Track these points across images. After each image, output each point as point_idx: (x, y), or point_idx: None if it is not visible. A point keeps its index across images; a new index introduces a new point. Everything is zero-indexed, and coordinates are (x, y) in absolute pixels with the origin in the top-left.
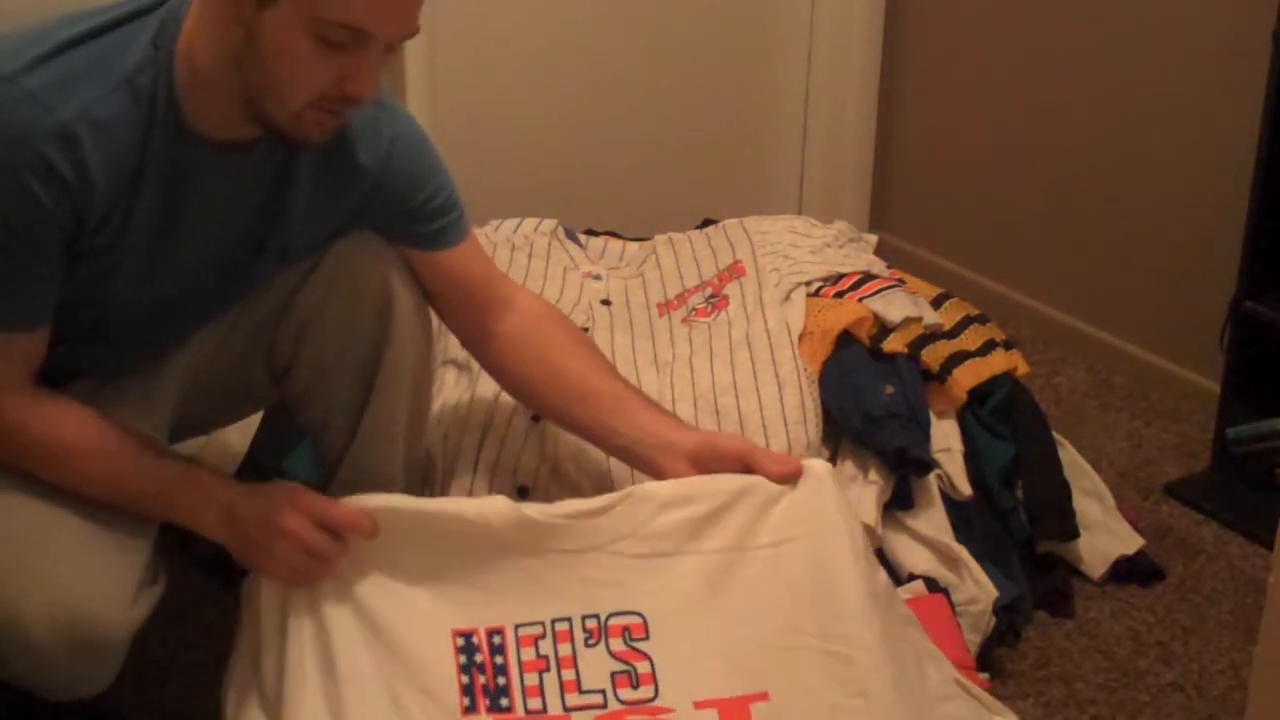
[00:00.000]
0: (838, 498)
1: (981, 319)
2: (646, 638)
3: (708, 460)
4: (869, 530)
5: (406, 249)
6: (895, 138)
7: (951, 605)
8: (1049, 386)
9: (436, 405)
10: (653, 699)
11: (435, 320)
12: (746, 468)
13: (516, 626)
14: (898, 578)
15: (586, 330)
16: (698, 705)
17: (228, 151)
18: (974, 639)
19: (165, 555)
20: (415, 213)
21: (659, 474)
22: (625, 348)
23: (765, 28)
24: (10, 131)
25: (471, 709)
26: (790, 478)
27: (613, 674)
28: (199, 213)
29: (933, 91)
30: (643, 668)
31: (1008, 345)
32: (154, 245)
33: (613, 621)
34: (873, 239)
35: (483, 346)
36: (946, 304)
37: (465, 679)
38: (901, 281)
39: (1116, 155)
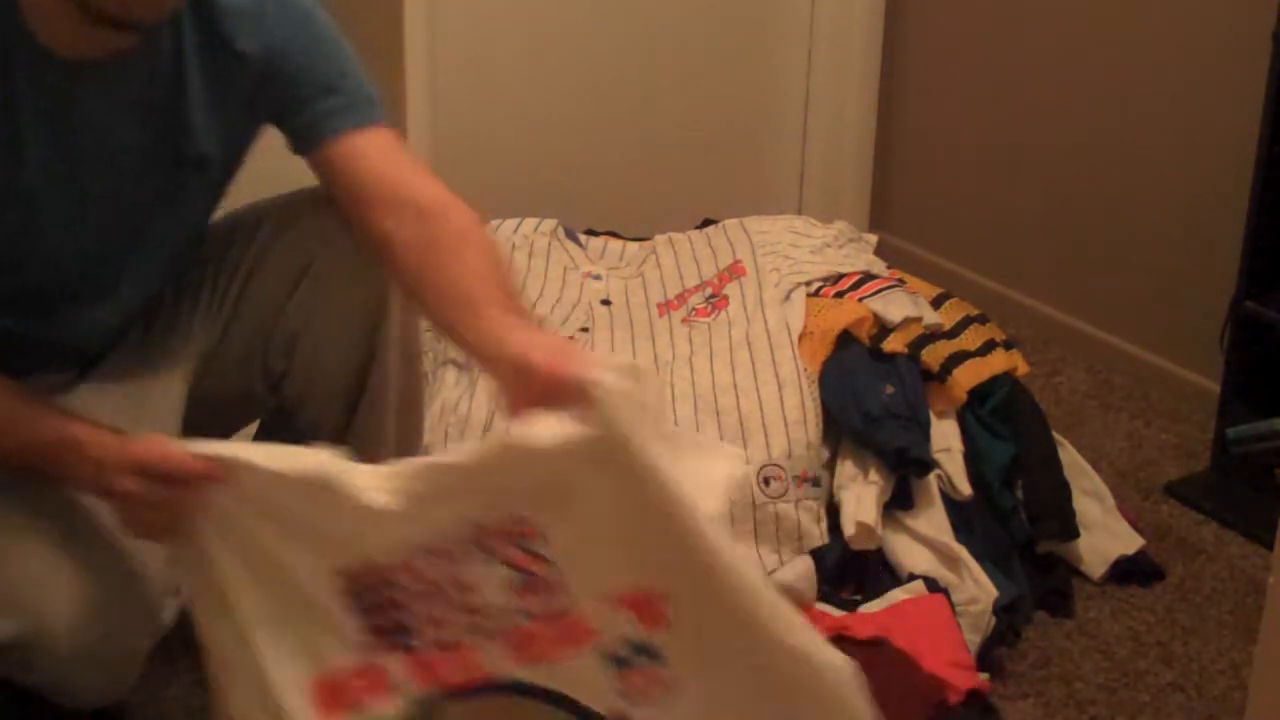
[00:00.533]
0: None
1: (981, 319)
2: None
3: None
4: (869, 530)
5: (309, 158)
6: (895, 138)
7: (951, 605)
8: (1049, 386)
9: (436, 405)
10: (566, 610)
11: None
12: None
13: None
14: (898, 578)
15: (586, 330)
16: (610, 602)
17: (100, 69)
18: (974, 639)
19: None
20: (301, 94)
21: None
22: (625, 347)
23: (765, 28)
24: None
25: (376, 648)
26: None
27: (514, 586)
28: (97, 139)
29: (933, 91)
30: (543, 571)
31: (1008, 345)
32: (62, 183)
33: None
34: (873, 239)
35: (382, 254)
36: (946, 304)
37: (360, 620)
38: (901, 281)
39: (1116, 155)
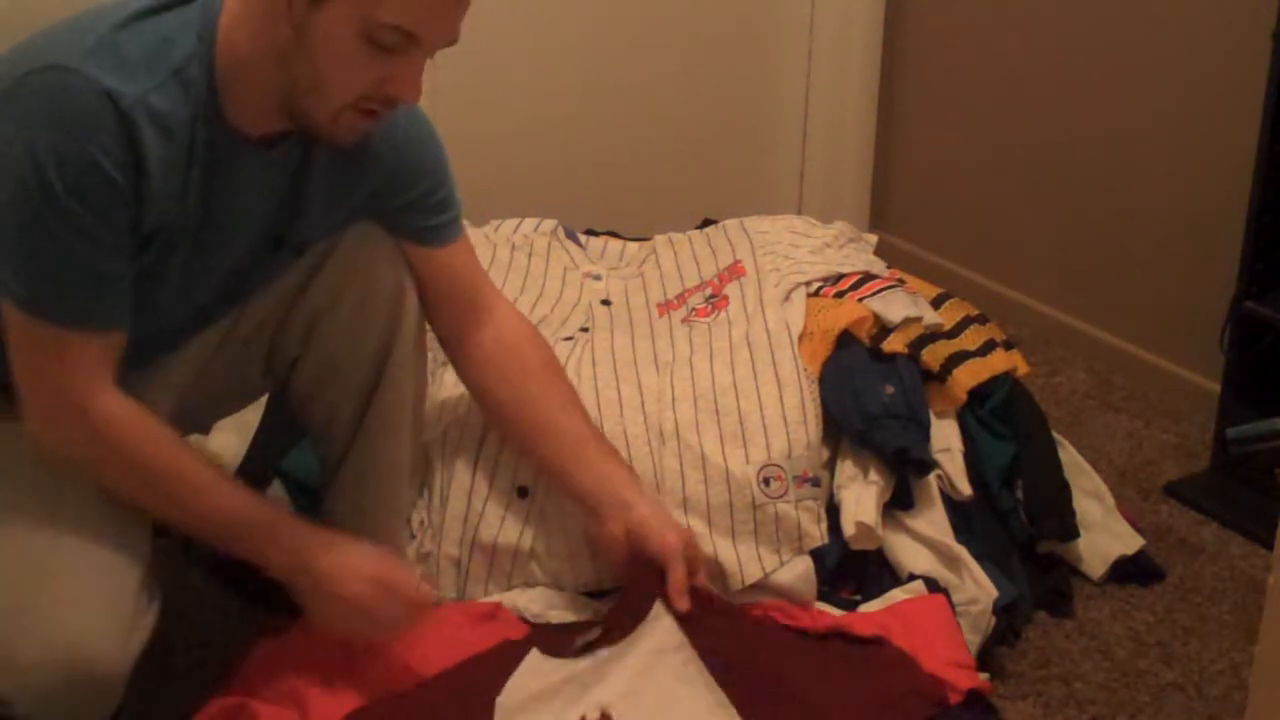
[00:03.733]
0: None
1: (981, 319)
2: None
3: (635, 543)
4: (869, 530)
5: (403, 244)
6: (895, 138)
7: (951, 605)
8: (1049, 386)
9: (436, 405)
10: None
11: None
12: (659, 571)
13: None
14: (898, 578)
15: (586, 330)
16: None
17: (258, 146)
18: (974, 639)
19: (162, 564)
20: (420, 205)
21: (598, 527)
22: (625, 348)
23: (765, 28)
24: (82, 119)
25: None
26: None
27: None
28: (233, 210)
29: (933, 91)
30: None
31: (1008, 345)
32: (196, 244)
33: None
34: (873, 239)
35: (459, 353)
36: (946, 304)
37: None
38: (901, 281)
39: (1116, 155)
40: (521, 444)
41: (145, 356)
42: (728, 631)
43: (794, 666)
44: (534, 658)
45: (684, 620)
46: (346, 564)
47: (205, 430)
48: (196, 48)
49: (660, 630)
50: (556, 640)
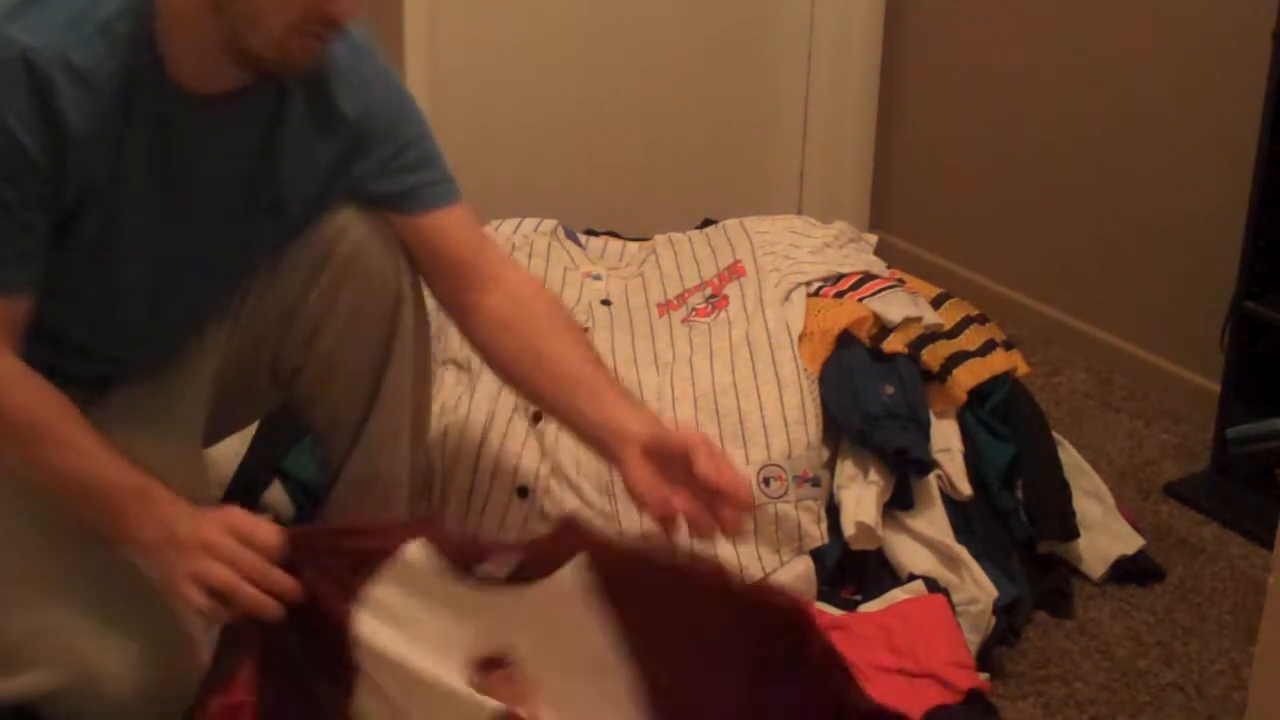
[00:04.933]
0: None
1: (981, 319)
2: None
3: (657, 454)
4: (869, 530)
5: (392, 215)
6: (895, 138)
7: (951, 605)
8: (1049, 386)
9: (436, 405)
10: None
11: (433, 321)
12: (688, 462)
13: None
14: (898, 578)
15: (586, 330)
16: None
17: (215, 104)
18: (974, 639)
19: None
20: (392, 165)
21: (615, 460)
22: (625, 348)
23: (765, 28)
24: None
25: None
26: (718, 484)
27: None
28: (194, 170)
29: (932, 92)
30: None
31: (1008, 345)
32: (151, 205)
33: None
34: (873, 239)
35: (465, 321)
36: (946, 304)
37: None
38: (901, 281)
39: (1116, 155)
40: (533, 394)
41: (154, 353)
42: (646, 593)
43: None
44: (423, 551)
45: (604, 575)
46: (204, 521)
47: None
48: (129, 4)
49: (574, 580)
50: (456, 548)
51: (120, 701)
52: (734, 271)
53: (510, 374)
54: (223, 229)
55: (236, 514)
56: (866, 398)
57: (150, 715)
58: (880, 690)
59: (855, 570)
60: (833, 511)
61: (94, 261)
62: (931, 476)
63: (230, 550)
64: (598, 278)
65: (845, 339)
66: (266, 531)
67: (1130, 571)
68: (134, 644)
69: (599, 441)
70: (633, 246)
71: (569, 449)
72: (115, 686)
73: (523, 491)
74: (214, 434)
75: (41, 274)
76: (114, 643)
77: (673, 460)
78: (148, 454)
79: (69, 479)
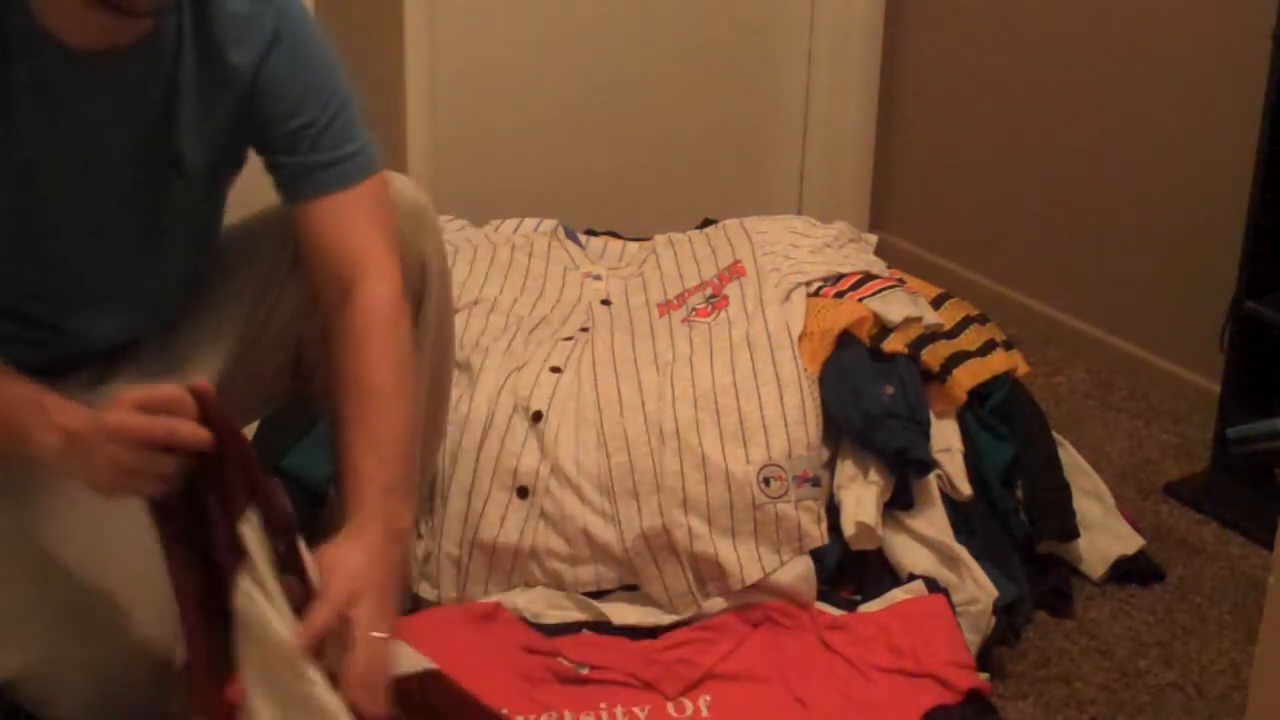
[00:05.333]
0: None
1: (981, 319)
2: None
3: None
4: (869, 530)
5: (281, 195)
6: (895, 138)
7: (951, 605)
8: (1049, 386)
9: None
10: None
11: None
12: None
13: None
14: (898, 578)
15: (586, 330)
16: None
17: (101, 61)
18: (974, 639)
19: None
20: (285, 132)
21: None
22: (625, 348)
23: (765, 28)
24: None
25: None
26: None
27: None
28: (88, 130)
29: (933, 92)
30: None
31: (1008, 345)
32: (55, 166)
33: None
34: (873, 239)
35: (329, 328)
36: (946, 304)
37: None
38: (901, 281)
39: (1116, 155)
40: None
41: (70, 307)
42: None
43: None
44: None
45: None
46: (101, 410)
47: None
48: None
49: None
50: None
51: (81, 689)
52: (734, 271)
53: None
54: (131, 189)
55: (131, 390)
56: (866, 398)
57: (114, 705)
58: (880, 690)
59: (855, 570)
60: (833, 511)
61: (14, 224)
62: (931, 476)
63: (134, 426)
64: (598, 278)
65: (845, 339)
66: (166, 392)
67: (1130, 571)
68: (94, 631)
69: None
70: (633, 246)
71: (569, 449)
72: (74, 675)
73: (522, 492)
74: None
75: None
76: (73, 629)
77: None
78: None
79: None
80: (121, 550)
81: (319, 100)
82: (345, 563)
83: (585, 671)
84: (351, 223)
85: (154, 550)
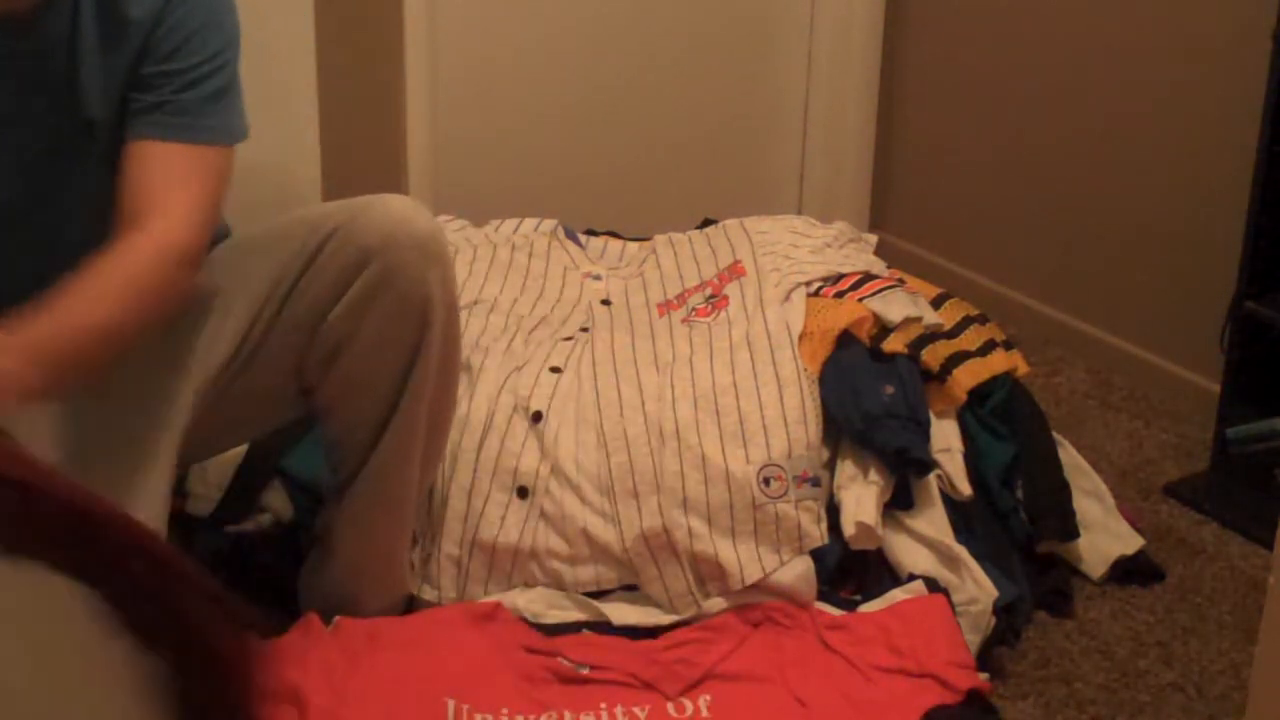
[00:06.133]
0: None
1: (981, 319)
2: None
3: None
4: (869, 530)
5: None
6: (895, 138)
7: (951, 605)
8: (1049, 386)
9: None
10: None
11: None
12: None
13: None
14: (898, 578)
15: (586, 330)
16: None
17: (8, 26)
18: (974, 639)
19: None
20: (155, 75)
21: None
22: (625, 348)
23: (765, 28)
24: None
25: None
26: None
27: None
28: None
29: (933, 91)
30: None
31: (1008, 345)
32: None
33: None
34: (873, 239)
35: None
36: (946, 304)
37: None
38: (901, 281)
39: (1116, 155)
40: None
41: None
42: None
43: None
44: None
45: None
46: None
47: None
48: None
49: None
50: None
51: None
52: (734, 271)
53: None
54: (47, 153)
55: None
56: (866, 398)
57: None
58: (880, 690)
59: (855, 570)
60: (833, 511)
61: None
62: (931, 476)
63: None
64: (598, 278)
65: (845, 339)
66: None
67: (1130, 571)
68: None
69: None
70: (633, 246)
71: (569, 449)
72: None
73: (522, 492)
74: (238, 437)
75: None
76: None
77: None
78: (102, 460)
79: None
80: None
81: (197, 55)
82: None
83: (585, 671)
84: (161, 173)
85: None
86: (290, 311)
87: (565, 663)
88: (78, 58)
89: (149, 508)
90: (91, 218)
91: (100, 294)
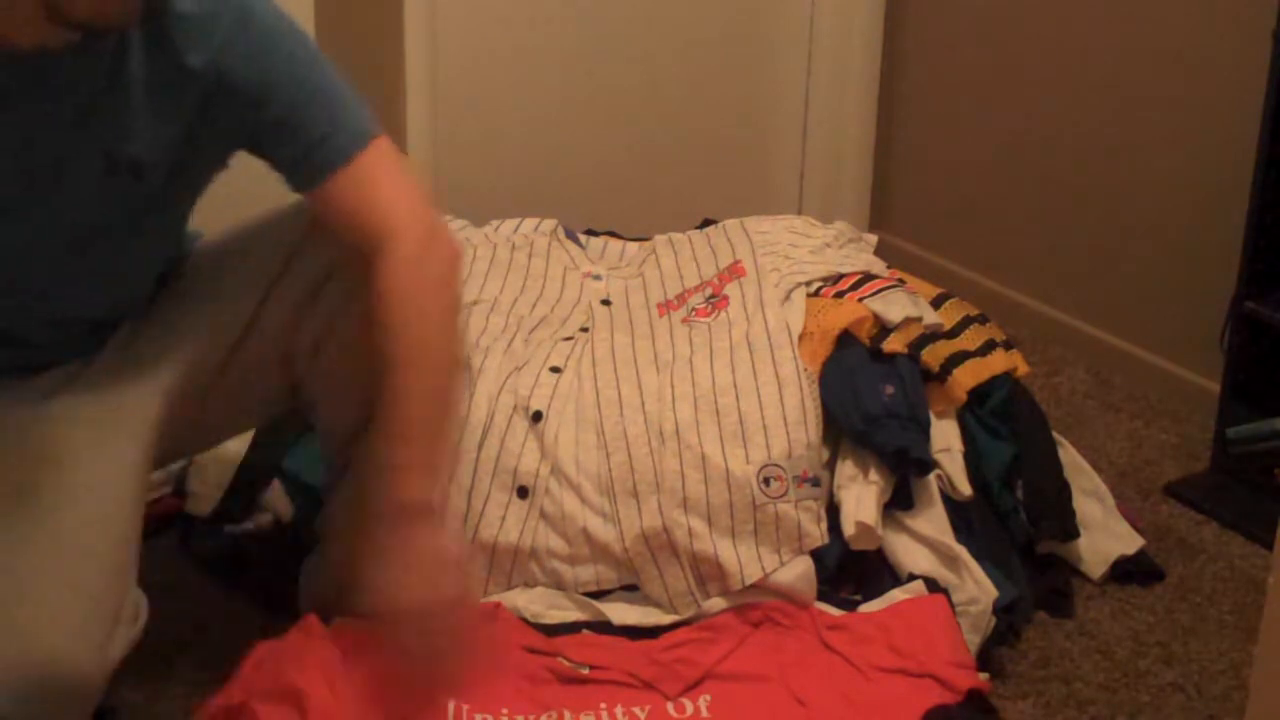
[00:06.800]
0: None
1: (981, 319)
2: None
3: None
4: (869, 530)
5: (293, 191)
6: (895, 138)
7: (951, 605)
8: (1049, 386)
9: None
10: None
11: None
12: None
13: None
14: (898, 578)
15: (586, 330)
16: None
17: (43, 61)
18: (974, 639)
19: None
20: (264, 128)
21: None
22: (625, 348)
23: (765, 28)
24: None
25: None
26: None
27: None
28: (28, 133)
29: (933, 91)
30: None
31: (1008, 345)
32: (4, 178)
33: None
34: (873, 239)
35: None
36: (946, 304)
37: None
38: (901, 281)
39: (1116, 155)
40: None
41: (79, 335)
42: None
43: None
44: None
45: None
46: None
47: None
48: None
49: None
50: None
51: (16, 700)
52: (734, 271)
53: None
54: (75, 189)
55: None
56: (866, 398)
57: (50, 712)
58: (880, 690)
59: (855, 570)
60: (833, 511)
61: None
62: (931, 476)
63: None
64: (598, 278)
65: (845, 339)
66: None
67: (1130, 571)
68: (32, 642)
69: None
70: (633, 246)
71: (569, 449)
72: (10, 684)
73: (522, 492)
74: (228, 430)
75: None
76: (12, 638)
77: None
78: (82, 455)
79: None
80: (33, 557)
81: (287, 90)
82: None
83: (585, 671)
84: (357, 198)
85: (74, 558)
86: (272, 307)
87: (565, 663)
88: (124, 96)
89: (118, 506)
90: (130, 259)
91: (405, 361)
